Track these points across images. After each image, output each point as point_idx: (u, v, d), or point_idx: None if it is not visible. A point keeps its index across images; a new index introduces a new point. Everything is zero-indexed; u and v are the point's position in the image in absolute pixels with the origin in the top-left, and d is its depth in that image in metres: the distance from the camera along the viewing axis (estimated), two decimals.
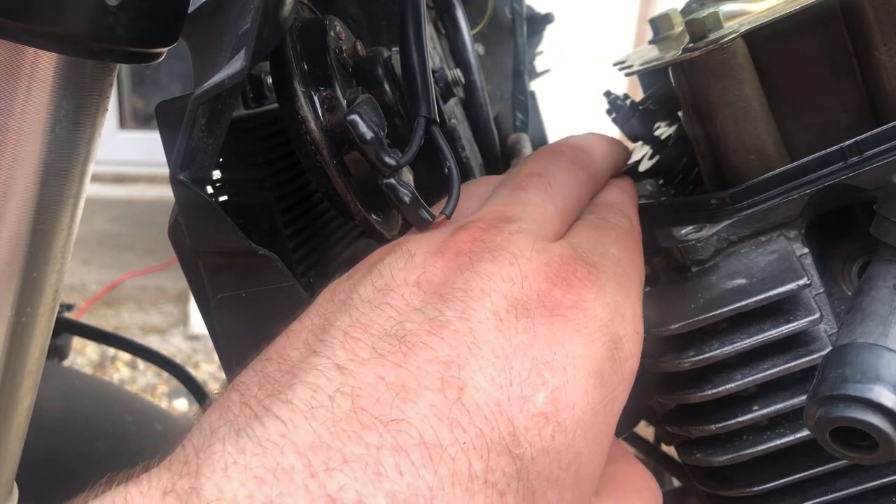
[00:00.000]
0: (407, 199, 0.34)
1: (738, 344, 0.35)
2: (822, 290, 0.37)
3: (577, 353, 0.28)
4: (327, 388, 0.25)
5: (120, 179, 3.30)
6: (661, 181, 0.49)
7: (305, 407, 0.25)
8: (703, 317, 0.35)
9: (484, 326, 0.27)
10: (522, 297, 0.29)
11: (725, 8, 0.39)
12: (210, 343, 0.36)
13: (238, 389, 0.27)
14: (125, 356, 2.61)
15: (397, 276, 0.30)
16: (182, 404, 2.37)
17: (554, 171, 0.37)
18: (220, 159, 0.40)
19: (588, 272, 0.31)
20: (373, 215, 0.39)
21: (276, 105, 0.37)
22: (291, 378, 0.26)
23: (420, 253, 0.31)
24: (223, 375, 0.34)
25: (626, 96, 0.53)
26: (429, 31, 0.46)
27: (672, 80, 0.44)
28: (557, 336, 0.28)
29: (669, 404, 0.39)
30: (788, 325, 0.34)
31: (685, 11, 0.46)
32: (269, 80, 0.41)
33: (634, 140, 0.54)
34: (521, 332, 0.28)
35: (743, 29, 0.37)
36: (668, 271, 0.40)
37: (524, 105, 0.67)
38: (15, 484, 0.43)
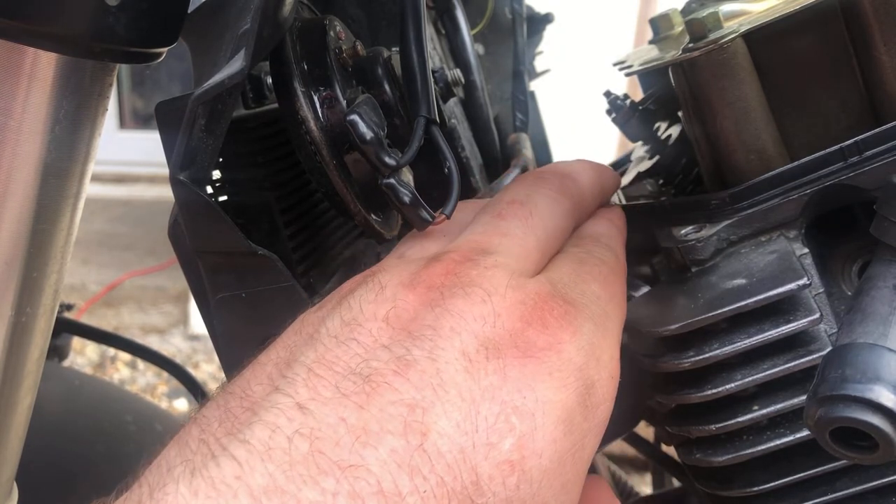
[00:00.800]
0: (407, 199, 0.34)
1: (738, 344, 0.35)
2: (822, 290, 0.37)
3: (548, 398, 0.27)
4: (286, 429, 0.25)
5: (120, 179, 3.30)
6: (661, 181, 0.49)
7: (262, 448, 0.24)
8: (703, 317, 0.35)
9: (452, 367, 0.27)
10: (494, 337, 0.28)
11: (725, 8, 0.39)
12: (210, 343, 0.36)
13: (199, 424, 0.27)
14: (125, 356, 2.61)
15: (366, 309, 0.29)
16: (182, 404, 2.37)
17: (536, 200, 0.35)
18: (220, 159, 0.40)
19: (565, 311, 0.30)
20: (373, 215, 0.39)
21: (276, 105, 0.37)
22: (251, 416, 0.26)
23: (391, 285, 0.30)
24: (223, 375, 0.34)
25: (626, 96, 0.53)
26: (429, 31, 0.46)
27: (672, 80, 0.44)
28: (528, 379, 0.27)
29: (669, 404, 0.39)
30: (788, 325, 0.34)
31: (685, 11, 0.46)
32: (269, 80, 0.41)
33: (634, 140, 0.54)
34: (491, 373, 0.27)
35: (743, 29, 0.37)
36: (668, 271, 0.40)
37: (524, 105, 0.67)
38: (15, 484, 0.43)
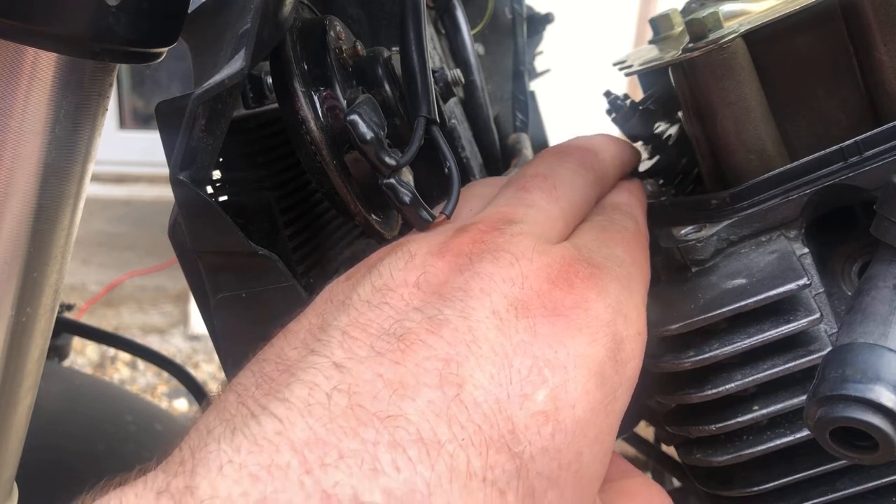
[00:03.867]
0: (407, 199, 0.34)
1: (738, 344, 0.35)
2: (822, 290, 0.37)
3: (579, 352, 0.28)
4: (324, 386, 0.25)
5: (120, 179, 3.29)
6: (661, 181, 0.49)
7: (302, 404, 0.25)
8: (703, 317, 0.35)
9: (484, 325, 0.27)
10: (523, 298, 0.29)
11: (725, 8, 0.39)
12: (210, 343, 0.36)
13: (235, 390, 0.27)
14: (125, 356, 2.61)
15: (397, 276, 0.30)
16: (182, 404, 2.37)
17: (559, 172, 0.37)
18: (220, 159, 0.40)
19: (590, 273, 0.31)
20: (373, 215, 0.39)
21: (276, 105, 0.37)
22: (289, 377, 0.26)
23: (421, 254, 0.31)
24: (223, 375, 0.34)
25: (626, 96, 0.53)
26: (429, 31, 0.46)
27: (672, 80, 0.44)
28: (559, 335, 0.28)
29: (669, 404, 0.39)
30: (788, 325, 0.34)
31: (685, 11, 0.46)
32: (270, 80, 0.41)
33: (634, 140, 0.54)
34: (522, 331, 0.28)
35: (743, 29, 0.37)
36: (668, 271, 0.40)
37: (524, 105, 0.67)
38: (15, 484, 0.43)
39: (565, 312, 0.29)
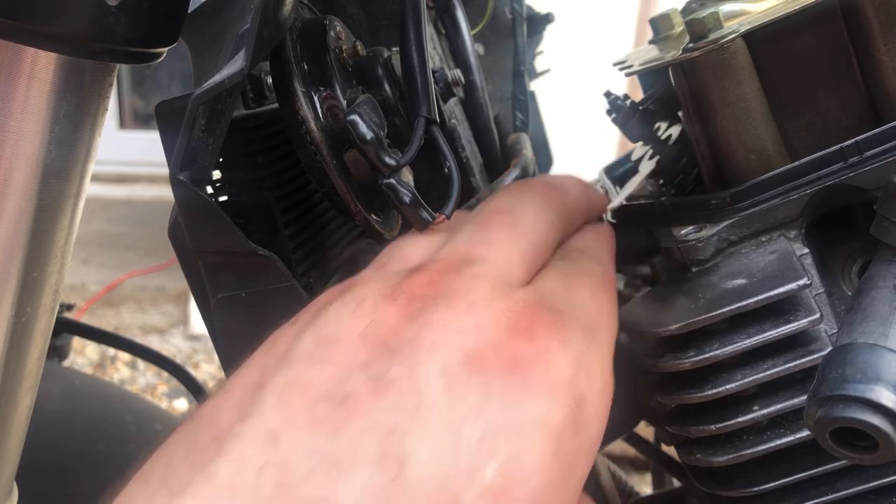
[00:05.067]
0: (407, 199, 0.34)
1: (739, 344, 0.35)
2: (822, 290, 0.37)
3: (534, 415, 0.26)
4: (253, 462, 0.24)
5: (120, 179, 3.29)
6: (661, 181, 0.49)
7: (227, 484, 0.23)
8: (704, 317, 0.35)
9: (432, 387, 0.25)
10: (477, 350, 0.27)
11: (725, 8, 0.39)
12: (210, 343, 0.36)
13: (165, 454, 0.26)
14: (125, 356, 2.61)
15: (342, 325, 0.28)
16: (182, 404, 2.37)
17: (521, 209, 0.35)
18: (220, 159, 0.40)
19: (552, 321, 0.28)
20: (373, 215, 0.39)
21: (276, 105, 0.37)
22: (218, 447, 0.25)
23: (371, 297, 0.29)
24: (223, 375, 0.34)
25: (626, 96, 0.53)
26: (429, 31, 0.46)
27: (672, 80, 0.44)
28: (514, 396, 0.26)
29: (669, 404, 0.39)
30: (788, 326, 0.34)
31: (685, 11, 0.46)
32: (269, 80, 0.41)
33: (635, 140, 0.54)
34: (474, 390, 0.26)
35: (743, 29, 0.37)
36: (668, 271, 0.40)
37: (524, 105, 0.67)
38: (15, 484, 0.43)
39: (523, 367, 0.27)
